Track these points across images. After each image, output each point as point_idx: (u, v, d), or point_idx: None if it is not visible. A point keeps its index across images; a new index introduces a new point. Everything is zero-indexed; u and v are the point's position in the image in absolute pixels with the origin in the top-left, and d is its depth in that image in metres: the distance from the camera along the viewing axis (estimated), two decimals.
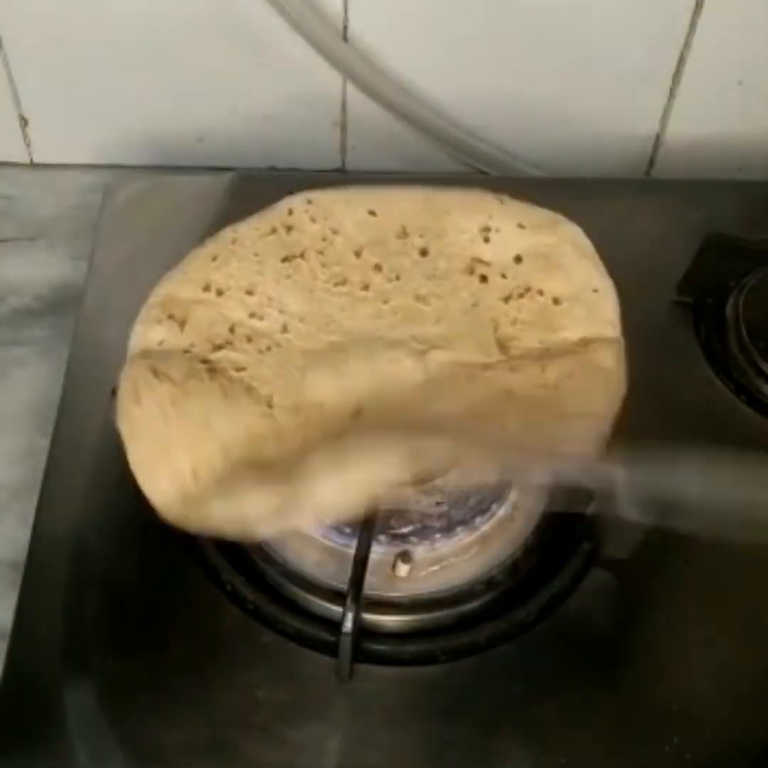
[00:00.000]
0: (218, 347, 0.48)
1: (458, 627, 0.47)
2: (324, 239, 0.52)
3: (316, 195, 0.54)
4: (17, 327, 0.65)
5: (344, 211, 0.53)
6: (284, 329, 0.49)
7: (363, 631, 0.45)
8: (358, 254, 0.52)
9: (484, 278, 0.51)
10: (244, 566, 0.48)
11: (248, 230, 0.52)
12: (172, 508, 0.43)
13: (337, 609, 0.46)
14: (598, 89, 0.72)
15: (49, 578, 0.48)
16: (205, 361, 0.47)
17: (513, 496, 0.51)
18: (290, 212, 0.53)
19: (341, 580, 0.46)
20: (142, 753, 0.43)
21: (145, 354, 0.48)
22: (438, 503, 0.49)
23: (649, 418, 0.50)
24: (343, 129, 0.74)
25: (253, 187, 0.67)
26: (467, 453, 0.43)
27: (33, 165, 0.76)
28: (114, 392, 0.47)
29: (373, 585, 0.47)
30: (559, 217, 0.54)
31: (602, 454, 0.44)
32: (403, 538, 0.49)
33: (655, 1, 0.67)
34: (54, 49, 0.69)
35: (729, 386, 0.57)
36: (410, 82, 0.70)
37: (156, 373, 0.46)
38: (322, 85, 0.71)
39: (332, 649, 0.45)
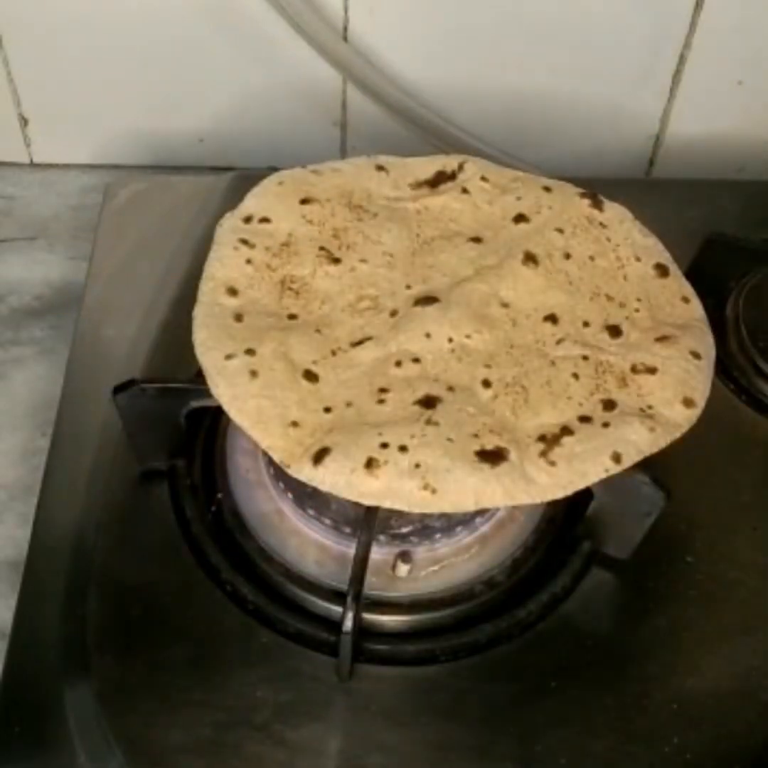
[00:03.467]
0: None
1: (458, 627, 0.47)
2: None
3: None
4: (17, 327, 0.65)
5: None
6: None
7: (363, 631, 0.45)
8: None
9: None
10: (244, 566, 0.48)
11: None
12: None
13: (337, 609, 0.46)
14: (598, 89, 0.72)
15: (49, 578, 0.48)
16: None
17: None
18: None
19: (341, 580, 0.46)
20: (142, 753, 0.43)
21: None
22: None
23: None
24: (343, 129, 0.74)
25: (253, 187, 0.67)
26: None
27: (33, 165, 0.76)
28: (115, 391, 0.48)
29: (373, 585, 0.47)
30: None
31: None
32: (403, 538, 0.49)
33: (655, 1, 0.67)
34: (54, 49, 0.69)
35: (729, 386, 0.57)
36: (410, 82, 0.70)
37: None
38: (322, 85, 0.71)
39: (332, 649, 0.45)
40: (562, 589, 0.48)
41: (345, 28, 0.68)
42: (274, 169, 0.56)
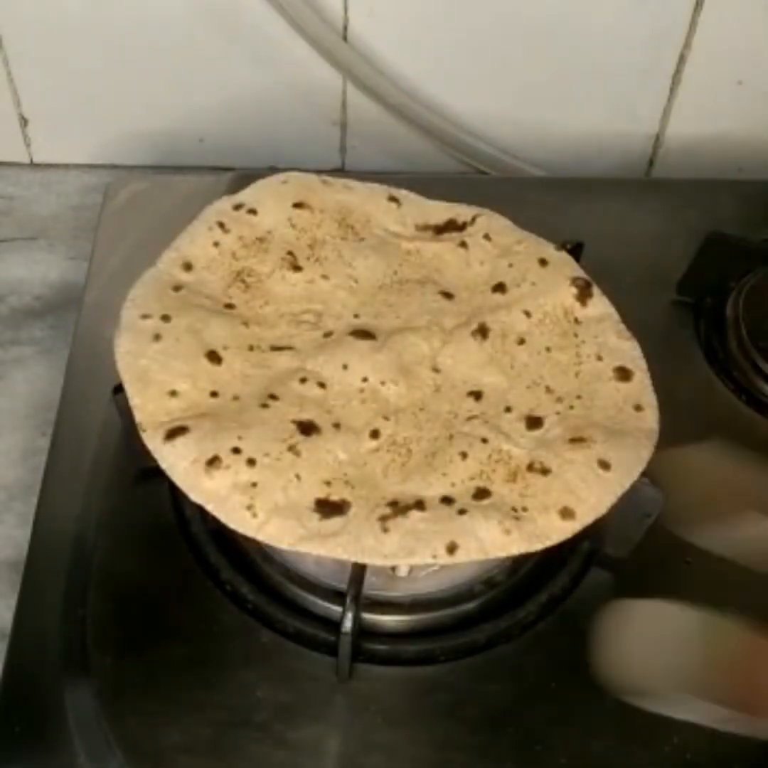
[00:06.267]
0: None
1: (458, 627, 0.47)
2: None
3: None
4: (17, 327, 0.65)
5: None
6: None
7: (363, 631, 0.45)
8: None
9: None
10: (244, 566, 0.48)
11: None
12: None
13: (337, 609, 0.46)
14: (598, 89, 0.72)
15: (49, 578, 0.48)
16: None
17: None
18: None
19: (341, 580, 0.46)
20: (142, 753, 0.43)
21: None
22: None
23: None
24: (343, 129, 0.74)
25: None
26: None
27: (33, 165, 0.76)
28: (115, 391, 0.48)
29: (373, 585, 0.47)
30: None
31: None
32: None
33: (655, 1, 0.67)
34: (54, 49, 0.69)
35: (729, 386, 0.57)
36: (410, 82, 0.70)
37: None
38: (322, 85, 0.71)
39: (332, 649, 0.45)
40: (561, 589, 0.48)
41: (345, 28, 0.68)
42: (274, 169, 0.56)
